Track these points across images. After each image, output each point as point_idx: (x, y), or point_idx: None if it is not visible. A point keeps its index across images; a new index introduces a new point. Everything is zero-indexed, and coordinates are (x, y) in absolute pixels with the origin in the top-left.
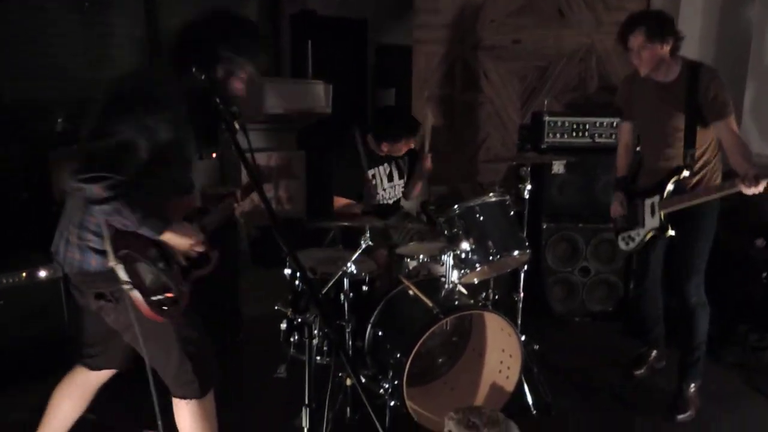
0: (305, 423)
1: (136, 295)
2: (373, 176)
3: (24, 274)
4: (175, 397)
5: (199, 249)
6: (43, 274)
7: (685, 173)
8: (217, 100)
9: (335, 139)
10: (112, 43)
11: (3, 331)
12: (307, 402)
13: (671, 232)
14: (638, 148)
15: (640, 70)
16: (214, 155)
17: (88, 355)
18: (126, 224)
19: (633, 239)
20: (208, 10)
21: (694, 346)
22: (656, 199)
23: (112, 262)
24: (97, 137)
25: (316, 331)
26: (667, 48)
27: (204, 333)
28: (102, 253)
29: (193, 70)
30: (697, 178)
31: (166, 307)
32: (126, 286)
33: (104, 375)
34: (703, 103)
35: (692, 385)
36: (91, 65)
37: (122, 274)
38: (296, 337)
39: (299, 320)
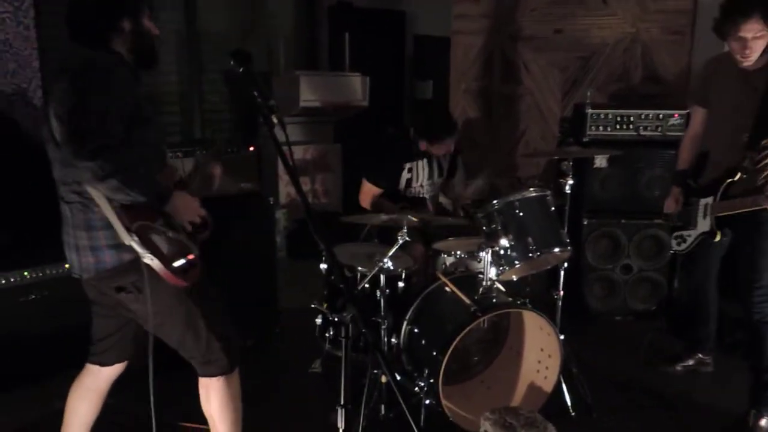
0: (341, 423)
1: (158, 264)
2: (410, 169)
3: (66, 266)
4: (204, 376)
5: (201, 212)
6: (53, 270)
7: (739, 176)
8: (255, 94)
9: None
10: None
11: (45, 321)
12: (342, 402)
13: (719, 238)
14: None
15: (745, 61)
16: (251, 148)
17: (98, 352)
18: (132, 198)
19: (685, 240)
20: None
21: (762, 368)
22: (710, 200)
23: (126, 239)
24: (74, 115)
25: (351, 331)
26: None
27: (227, 310)
28: (115, 246)
29: (107, 32)
30: (761, 181)
31: (187, 272)
32: (146, 258)
33: (115, 370)
34: None
35: (761, 413)
36: None
37: (139, 248)
38: (331, 333)
39: (335, 319)
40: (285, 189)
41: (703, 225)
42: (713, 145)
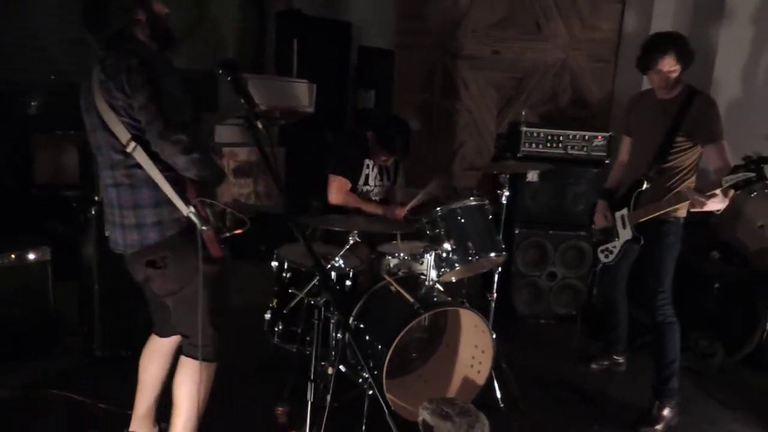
0: (309, 396)
1: (210, 233)
2: (368, 166)
3: (13, 256)
4: (188, 356)
5: (234, 196)
6: (32, 256)
7: (645, 185)
8: (242, 101)
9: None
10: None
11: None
12: (312, 377)
13: (643, 241)
14: None
15: (659, 91)
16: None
17: (155, 323)
18: (201, 174)
19: (611, 252)
20: None
21: (664, 364)
22: (624, 211)
23: (185, 210)
24: (146, 101)
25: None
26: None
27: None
28: (158, 224)
29: (126, 27)
30: (667, 192)
31: (223, 246)
32: (204, 227)
33: (174, 340)
34: (695, 126)
35: (663, 403)
36: (71, 47)
37: (197, 220)
38: (280, 327)
39: (311, 302)
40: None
41: (625, 234)
42: (630, 165)
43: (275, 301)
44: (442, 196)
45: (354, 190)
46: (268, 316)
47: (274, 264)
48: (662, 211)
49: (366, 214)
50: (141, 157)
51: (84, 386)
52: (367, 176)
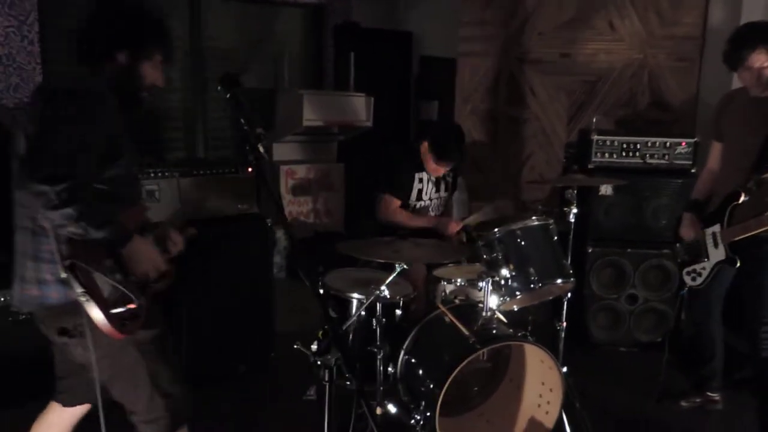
0: None
1: (94, 307)
2: (420, 180)
3: None
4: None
5: (161, 267)
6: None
7: (743, 198)
8: (242, 121)
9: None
10: None
11: (39, 340)
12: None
13: (739, 264)
14: None
15: (752, 89)
16: (249, 169)
17: (61, 390)
18: (85, 233)
19: (700, 274)
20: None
21: None
22: (717, 228)
23: (62, 273)
24: (42, 140)
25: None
26: None
27: (176, 362)
28: (63, 282)
29: (98, 63)
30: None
31: (126, 323)
32: (82, 298)
33: (79, 411)
34: None
35: None
36: None
37: (75, 285)
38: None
39: (318, 362)
40: (287, 209)
41: (717, 254)
42: (722, 176)
43: (320, 332)
44: (511, 213)
45: (406, 206)
46: (314, 347)
47: (320, 291)
48: (764, 228)
49: (415, 232)
50: None
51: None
52: (420, 191)
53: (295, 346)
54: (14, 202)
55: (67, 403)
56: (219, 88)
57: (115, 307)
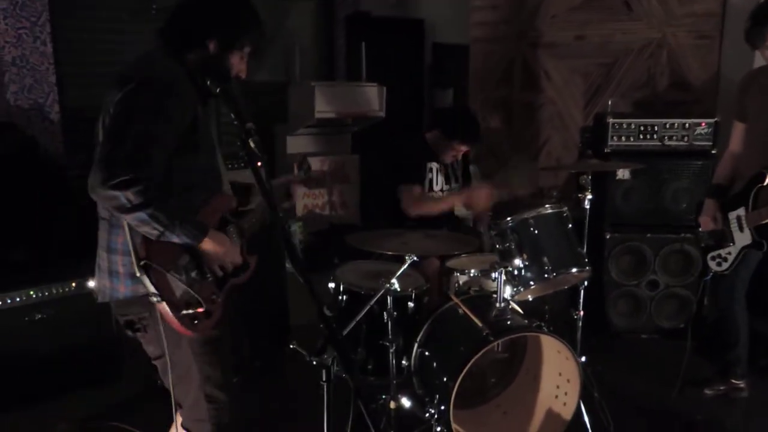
0: None
1: (165, 307)
2: (431, 170)
3: (74, 284)
4: (185, 428)
5: (237, 261)
6: (92, 284)
7: None
8: (232, 116)
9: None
10: None
11: (53, 341)
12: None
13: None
14: None
15: None
16: (259, 163)
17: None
18: (158, 232)
19: (726, 259)
20: None
21: None
22: (741, 211)
23: (137, 271)
24: (114, 136)
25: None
26: None
27: (230, 377)
28: (132, 276)
29: (187, 49)
30: None
31: (197, 321)
32: (153, 298)
33: None
34: None
35: None
36: None
37: (148, 285)
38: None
39: (314, 363)
40: (302, 201)
41: (743, 239)
42: (746, 158)
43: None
44: (525, 197)
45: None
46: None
47: (331, 285)
48: None
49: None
50: None
51: (143, 417)
52: (431, 181)
53: (291, 346)
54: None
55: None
56: (208, 83)
57: (187, 309)
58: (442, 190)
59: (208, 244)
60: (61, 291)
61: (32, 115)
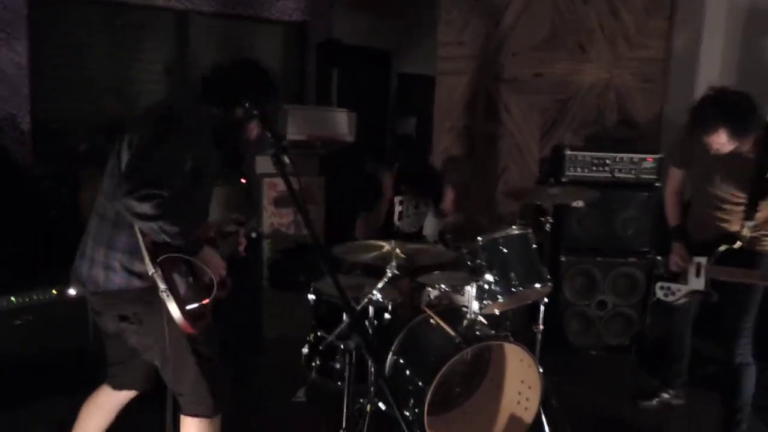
0: None
1: (172, 303)
2: (401, 202)
3: (54, 291)
4: (186, 415)
5: (223, 273)
6: (72, 291)
7: (738, 244)
8: (269, 134)
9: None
10: (141, 67)
11: (31, 347)
12: (344, 426)
13: (715, 298)
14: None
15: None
16: (243, 180)
17: (112, 375)
18: (167, 240)
19: (673, 293)
20: (241, 58)
21: (736, 408)
22: (703, 260)
23: (150, 269)
24: (144, 155)
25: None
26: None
27: (219, 355)
28: (128, 270)
29: (217, 107)
30: (748, 244)
31: (196, 320)
32: (163, 294)
33: (126, 395)
34: None
35: None
36: (119, 86)
37: (160, 281)
38: (318, 362)
39: (341, 346)
40: (269, 219)
41: (696, 283)
42: (696, 199)
43: (312, 335)
44: (483, 223)
45: (388, 227)
46: (305, 350)
47: (311, 297)
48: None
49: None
50: None
51: (119, 421)
52: (401, 213)
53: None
54: (101, 194)
55: (117, 386)
56: (246, 105)
57: (189, 304)
58: (408, 215)
59: (203, 255)
60: (40, 297)
61: (5, 125)
